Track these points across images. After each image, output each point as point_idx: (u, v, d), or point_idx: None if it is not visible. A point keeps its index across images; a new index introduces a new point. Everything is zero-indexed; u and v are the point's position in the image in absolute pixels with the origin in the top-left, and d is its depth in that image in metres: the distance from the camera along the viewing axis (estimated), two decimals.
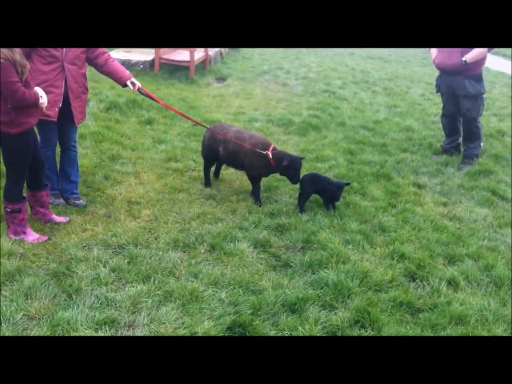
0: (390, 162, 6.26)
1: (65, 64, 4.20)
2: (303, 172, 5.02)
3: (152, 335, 3.05)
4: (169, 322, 3.13)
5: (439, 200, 5.38)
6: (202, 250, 4.03)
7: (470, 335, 3.27)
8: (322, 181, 4.88)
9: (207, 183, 5.25)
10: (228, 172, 5.66)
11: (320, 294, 3.57)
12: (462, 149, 6.62)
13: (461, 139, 6.66)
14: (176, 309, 3.29)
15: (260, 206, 4.83)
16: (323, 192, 4.88)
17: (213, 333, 3.06)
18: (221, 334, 3.08)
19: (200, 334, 3.03)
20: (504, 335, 3.33)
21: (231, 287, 3.59)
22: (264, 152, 4.77)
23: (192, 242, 4.10)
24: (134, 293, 3.40)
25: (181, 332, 3.05)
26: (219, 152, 5.04)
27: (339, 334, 3.18)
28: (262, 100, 8.99)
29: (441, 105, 6.94)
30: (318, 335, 3.15)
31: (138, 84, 4.51)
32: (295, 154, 5.12)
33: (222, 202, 4.92)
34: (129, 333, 3.08)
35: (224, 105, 8.36)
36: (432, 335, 3.26)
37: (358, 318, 3.32)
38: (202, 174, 5.38)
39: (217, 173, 5.47)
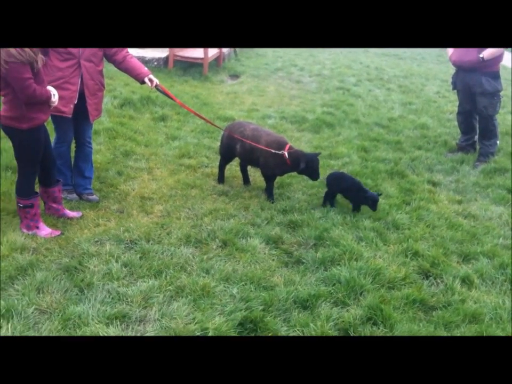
0: (405, 159, 6.20)
1: (81, 61, 4.21)
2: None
3: (163, 330, 3.04)
4: (180, 318, 3.13)
5: (453, 198, 5.32)
6: (214, 246, 4.03)
7: (484, 334, 3.22)
8: (347, 181, 4.84)
9: (221, 179, 5.23)
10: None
11: (332, 291, 3.54)
12: (477, 147, 6.53)
13: (476, 137, 6.58)
14: (188, 304, 3.28)
15: (273, 203, 4.81)
16: (348, 192, 4.82)
17: (224, 328, 3.05)
18: (232, 330, 3.07)
19: (211, 330, 3.02)
20: None
21: (243, 283, 3.57)
22: (280, 152, 4.70)
23: (204, 238, 4.09)
24: (145, 288, 3.40)
25: (192, 328, 3.04)
26: (236, 149, 5.02)
27: (351, 331, 3.15)
28: (275, 97, 8.96)
29: (456, 103, 6.86)
30: (329, 332, 3.12)
31: (156, 81, 4.50)
32: (311, 153, 5.04)
33: (234, 198, 4.90)
34: (140, 328, 3.08)
35: (238, 102, 8.34)
36: (445, 333, 3.22)
37: (371, 315, 3.29)
38: (215, 170, 5.37)
39: (246, 179, 5.34)
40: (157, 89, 4.61)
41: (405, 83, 10.80)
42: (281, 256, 4.02)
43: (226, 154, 5.21)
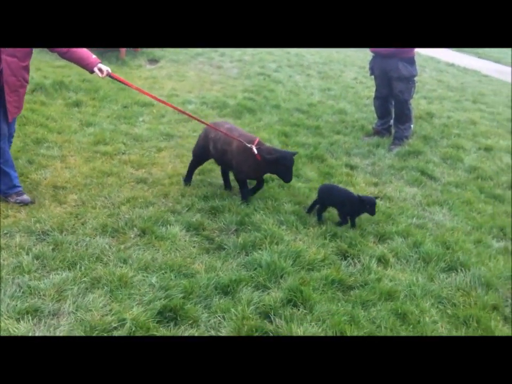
0: (324, 144, 6.31)
1: (3, 56, 3.87)
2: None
3: (78, 322, 2.92)
4: (96, 310, 3.01)
5: (370, 180, 5.47)
6: (132, 235, 3.91)
7: (400, 311, 3.34)
8: (341, 194, 4.49)
9: (187, 179, 4.91)
10: (160, 155, 5.52)
11: (254, 275, 3.54)
12: (392, 131, 6.76)
13: (392, 121, 6.80)
14: (104, 295, 3.17)
15: (247, 205, 4.50)
16: (342, 206, 4.45)
17: (142, 318, 2.97)
18: (150, 320, 2.99)
19: (128, 320, 2.93)
20: (432, 309, 3.41)
21: (162, 271, 3.49)
22: (249, 146, 4.36)
23: (122, 227, 3.96)
24: (58, 280, 3.25)
25: (109, 319, 2.93)
26: (210, 151, 4.74)
27: (272, 314, 3.16)
28: (196, 82, 8.83)
29: (373, 88, 7.05)
30: (250, 316, 3.12)
31: (106, 70, 4.11)
32: (285, 150, 4.73)
33: (153, 185, 4.78)
34: (54, 322, 2.94)
35: (157, 87, 8.14)
36: (363, 312, 3.30)
37: (291, 297, 3.32)
38: (133, 157, 5.23)
39: (227, 184, 4.95)
40: (110, 77, 4.22)
41: (324, 69, 10.99)
42: (202, 242, 3.96)
43: (199, 155, 4.90)
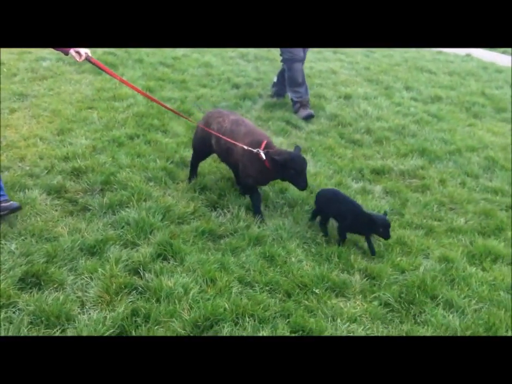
0: (190, 98, 6.23)
1: None
2: None
3: None
4: None
5: None
6: None
7: (267, 254, 3.47)
8: (343, 204, 3.77)
9: (192, 176, 4.32)
10: (13, 117, 5.11)
11: (122, 234, 3.47)
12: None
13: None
14: None
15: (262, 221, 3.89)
16: (341, 218, 3.76)
17: (3, 286, 2.80)
18: (11, 287, 2.83)
19: None
20: (297, 249, 3.58)
21: (22, 237, 3.30)
22: (255, 150, 3.74)
23: None
24: None
25: None
26: (212, 145, 4.11)
27: (141, 269, 3.13)
28: None
29: None
30: (119, 273, 3.06)
31: (85, 52, 3.51)
32: (292, 151, 3.91)
33: (8, 149, 4.44)
34: None
35: None
36: (232, 258, 3.38)
37: (161, 252, 3.31)
38: None
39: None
40: (88, 61, 3.60)
41: None
42: (65, 205, 3.78)
43: (199, 150, 4.29)
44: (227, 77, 7.17)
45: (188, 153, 4.73)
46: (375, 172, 4.95)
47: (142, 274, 3.12)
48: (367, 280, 3.38)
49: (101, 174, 4.14)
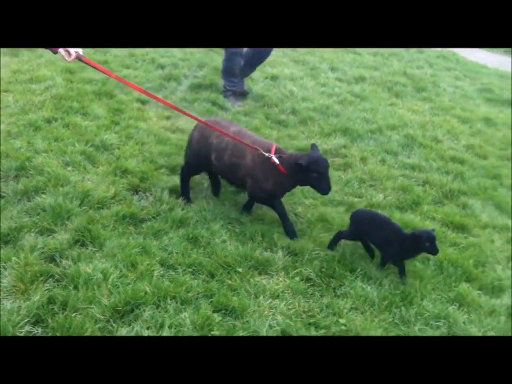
0: (112, 79, 6.04)
1: None
2: None
3: None
4: None
5: (162, 114, 5.43)
6: None
7: (191, 235, 3.45)
8: (386, 229, 3.41)
9: (185, 194, 3.92)
10: None
11: (37, 221, 3.34)
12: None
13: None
14: None
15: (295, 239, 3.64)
16: (385, 245, 3.40)
17: None
18: None
19: None
20: (221, 230, 3.57)
21: None
22: (267, 155, 3.49)
23: None
24: None
25: None
26: (211, 160, 3.74)
27: (57, 256, 3.04)
28: None
29: None
30: (34, 262, 2.95)
31: (75, 52, 3.10)
32: (309, 153, 3.59)
33: None
34: None
35: None
36: (155, 241, 3.34)
37: (79, 238, 3.22)
38: None
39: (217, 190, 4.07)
40: (80, 60, 3.19)
41: None
42: None
43: (195, 165, 3.88)
44: (151, 57, 7.01)
45: (110, 136, 4.61)
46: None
47: (58, 261, 3.02)
48: (289, 257, 3.43)
49: (15, 160, 3.96)
